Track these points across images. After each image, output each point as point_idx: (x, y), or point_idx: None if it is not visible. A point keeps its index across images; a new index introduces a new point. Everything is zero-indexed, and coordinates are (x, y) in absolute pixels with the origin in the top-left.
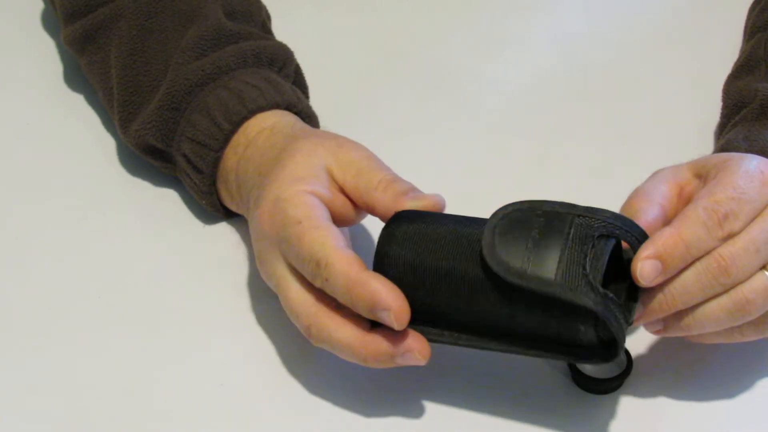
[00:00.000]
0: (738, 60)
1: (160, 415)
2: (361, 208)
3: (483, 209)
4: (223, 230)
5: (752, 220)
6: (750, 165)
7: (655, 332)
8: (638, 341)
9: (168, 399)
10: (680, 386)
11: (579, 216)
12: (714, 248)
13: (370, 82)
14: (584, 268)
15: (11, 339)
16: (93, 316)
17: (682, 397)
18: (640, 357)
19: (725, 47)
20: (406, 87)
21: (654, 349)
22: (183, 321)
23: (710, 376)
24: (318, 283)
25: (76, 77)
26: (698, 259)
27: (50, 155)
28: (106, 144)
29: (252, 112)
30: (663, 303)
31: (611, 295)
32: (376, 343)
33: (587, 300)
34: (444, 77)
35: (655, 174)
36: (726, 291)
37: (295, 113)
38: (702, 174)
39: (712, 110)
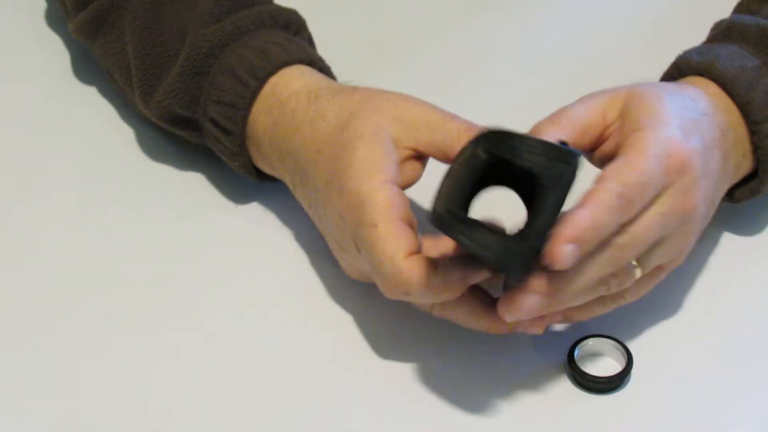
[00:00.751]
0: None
1: (160, 414)
2: (441, 160)
3: (483, 209)
4: (224, 230)
5: (645, 206)
6: (662, 144)
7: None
8: (638, 341)
9: (168, 398)
10: (680, 386)
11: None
12: (613, 232)
13: (369, 81)
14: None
15: (11, 338)
16: (92, 315)
17: (682, 396)
18: (640, 357)
19: None
20: (405, 86)
21: (654, 348)
22: (183, 319)
23: (710, 376)
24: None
25: (76, 76)
26: (603, 244)
27: (51, 154)
28: (107, 143)
29: (277, 67)
30: (566, 298)
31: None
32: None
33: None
34: (444, 76)
35: (585, 97)
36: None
37: (318, 70)
38: (624, 121)
39: None
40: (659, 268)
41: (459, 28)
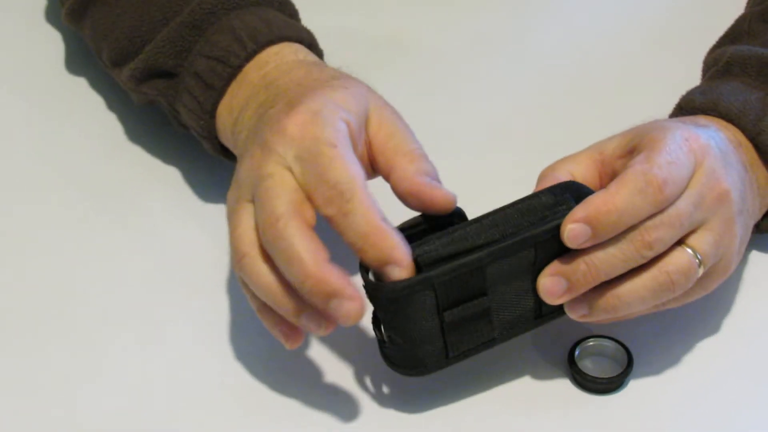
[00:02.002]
0: (722, 36)
1: (160, 414)
2: (377, 167)
3: (483, 208)
4: (223, 229)
5: (682, 189)
6: (675, 133)
7: (581, 318)
8: (638, 341)
9: (168, 397)
10: (680, 386)
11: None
12: (648, 215)
13: (369, 81)
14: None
15: (11, 338)
16: (92, 315)
17: (682, 396)
18: (640, 356)
19: None
20: (405, 86)
21: (654, 348)
22: (183, 319)
23: (710, 376)
24: (329, 211)
25: (76, 75)
26: (631, 227)
27: (50, 153)
28: (107, 143)
29: (279, 39)
30: (587, 275)
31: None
32: (327, 275)
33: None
34: (444, 76)
35: (568, 157)
36: (647, 265)
37: (316, 53)
38: (632, 147)
39: None
40: (707, 276)
41: (459, 28)
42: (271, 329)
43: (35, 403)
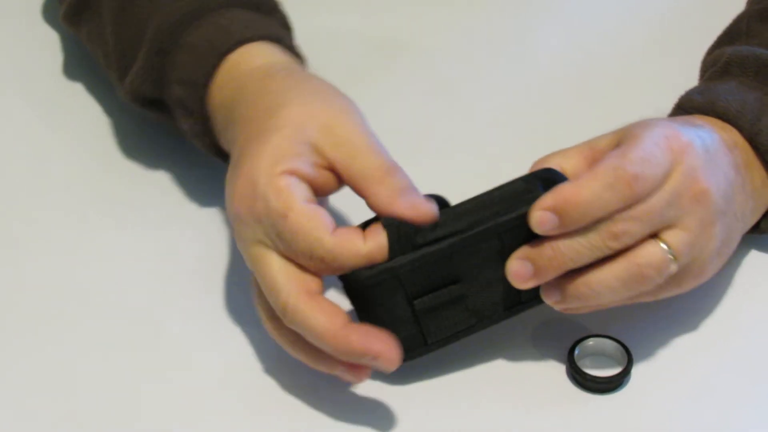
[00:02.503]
0: (720, 35)
1: (160, 414)
2: (352, 189)
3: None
4: (222, 227)
5: (656, 187)
6: (655, 130)
7: (554, 304)
8: (638, 341)
9: (168, 397)
10: (680, 386)
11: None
12: (617, 209)
13: (369, 81)
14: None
15: (11, 338)
16: (92, 315)
17: (682, 396)
18: (640, 356)
19: None
20: (405, 86)
21: (654, 347)
22: (182, 319)
23: (710, 375)
24: (319, 271)
25: (75, 76)
26: (600, 219)
27: (49, 154)
28: (107, 143)
29: (238, 43)
30: (553, 260)
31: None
32: (347, 342)
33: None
34: (444, 76)
35: (560, 151)
36: (619, 256)
37: (286, 48)
38: (618, 143)
39: None
40: (682, 274)
41: (459, 28)
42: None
43: (35, 403)
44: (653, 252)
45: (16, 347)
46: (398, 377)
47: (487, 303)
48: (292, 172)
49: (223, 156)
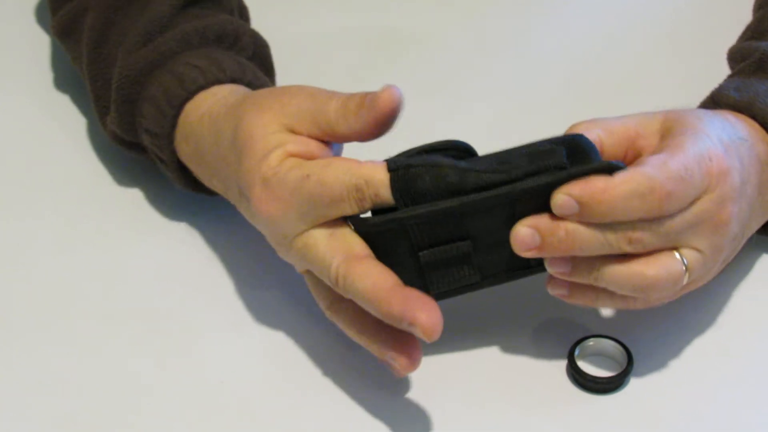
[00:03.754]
0: (746, 30)
1: (160, 414)
2: (333, 140)
3: None
4: (221, 226)
5: (683, 207)
6: (703, 148)
7: (560, 275)
8: (638, 341)
9: (168, 397)
10: (680, 386)
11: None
12: (640, 218)
13: (369, 81)
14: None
15: (11, 338)
16: (92, 315)
17: (682, 397)
18: (640, 356)
19: (727, 46)
20: (405, 86)
21: (654, 348)
22: (182, 318)
23: (711, 375)
24: (367, 204)
25: (74, 76)
26: (619, 222)
27: (46, 155)
28: (107, 142)
29: (192, 93)
30: (563, 242)
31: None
32: (388, 303)
33: None
34: (444, 76)
35: (605, 121)
36: (637, 256)
37: (246, 84)
38: (665, 135)
39: None
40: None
41: (459, 27)
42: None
43: (34, 404)
44: (671, 264)
45: (16, 347)
46: (395, 377)
47: (493, 263)
48: (289, 155)
49: (210, 191)
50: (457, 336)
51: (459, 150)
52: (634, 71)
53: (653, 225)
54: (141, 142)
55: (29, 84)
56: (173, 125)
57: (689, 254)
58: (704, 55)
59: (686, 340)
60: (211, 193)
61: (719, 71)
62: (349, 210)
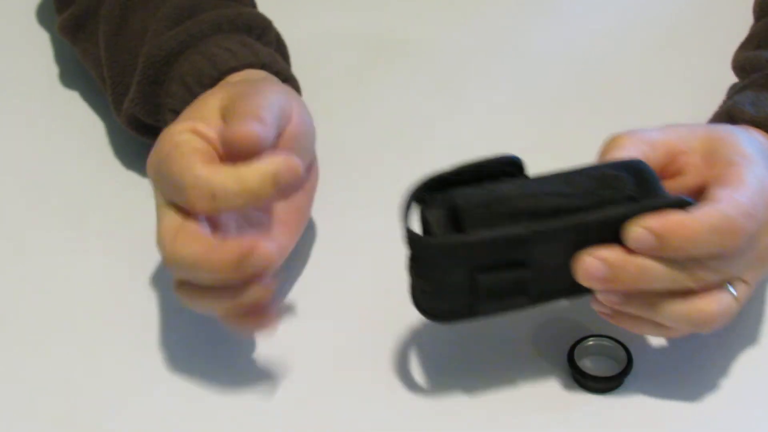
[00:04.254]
0: (750, 37)
1: (159, 414)
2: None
3: None
4: None
5: (749, 243)
6: (759, 178)
7: (601, 314)
8: (638, 341)
9: (168, 397)
10: (680, 386)
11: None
12: (712, 254)
13: (369, 81)
14: None
15: (11, 338)
16: (91, 316)
17: (682, 397)
18: (640, 356)
19: (727, 46)
20: (405, 86)
21: (654, 348)
22: (182, 320)
23: (710, 375)
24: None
25: (75, 75)
26: (693, 257)
27: (46, 154)
28: (108, 142)
29: (224, 73)
30: (633, 277)
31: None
32: (219, 254)
33: None
34: (444, 76)
35: (668, 124)
36: (695, 293)
37: (274, 74)
38: (710, 159)
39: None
40: None
41: (459, 28)
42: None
43: (33, 404)
44: (727, 299)
45: (16, 347)
46: (396, 377)
47: (544, 287)
48: (191, 130)
49: None
50: (457, 336)
51: (510, 164)
52: (634, 71)
53: (721, 261)
54: (160, 126)
55: (30, 83)
56: None
57: (739, 287)
58: (704, 55)
59: (686, 340)
60: None
61: (719, 71)
62: (192, 205)
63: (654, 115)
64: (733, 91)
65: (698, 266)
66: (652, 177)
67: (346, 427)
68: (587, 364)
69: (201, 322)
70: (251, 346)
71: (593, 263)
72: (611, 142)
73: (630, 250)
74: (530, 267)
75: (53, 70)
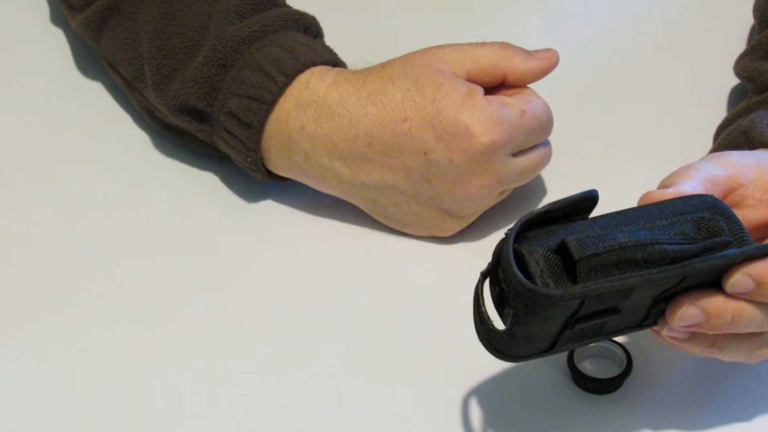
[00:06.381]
0: (757, 45)
1: (160, 414)
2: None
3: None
4: (221, 229)
5: None
6: None
7: (652, 332)
8: (638, 342)
9: (168, 397)
10: (680, 386)
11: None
12: None
13: None
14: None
15: (11, 338)
16: (92, 314)
17: (682, 397)
18: (640, 357)
19: (727, 46)
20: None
21: (654, 349)
22: (183, 320)
23: (710, 377)
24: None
25: (77, 74)
26: None
27: (53, 152)
28: (109, 141)
29: (305, 66)
30: (728, 324)
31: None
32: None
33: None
34: None
35: (718, 155)
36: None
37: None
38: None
39: (715, 110)
40: None
41: (459, 28)
42: None
43: (35, 402)
44: None
45: (16, 347)
46: (396, 378)
47: (620, 324)
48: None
49: (263, 173)
50: (457, 335)
51: (588, 200)
52: (634, 72)
53: None
54: (209, 111)
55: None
56: (281, 93)
57: None
58: (704, 55)
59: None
60: (268, 174)
61: (719, 71)
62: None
63: (654, 115)
64: (746, 106)
65: None
66: (734, 218)
67: (344, 426)
68: (587, 366)
69: (200, 318)
70: (252, 343)
71: (691, 311)
72: (672, 178)
73: (726, 295)
74: (622, 311)
75: (53, 70)
